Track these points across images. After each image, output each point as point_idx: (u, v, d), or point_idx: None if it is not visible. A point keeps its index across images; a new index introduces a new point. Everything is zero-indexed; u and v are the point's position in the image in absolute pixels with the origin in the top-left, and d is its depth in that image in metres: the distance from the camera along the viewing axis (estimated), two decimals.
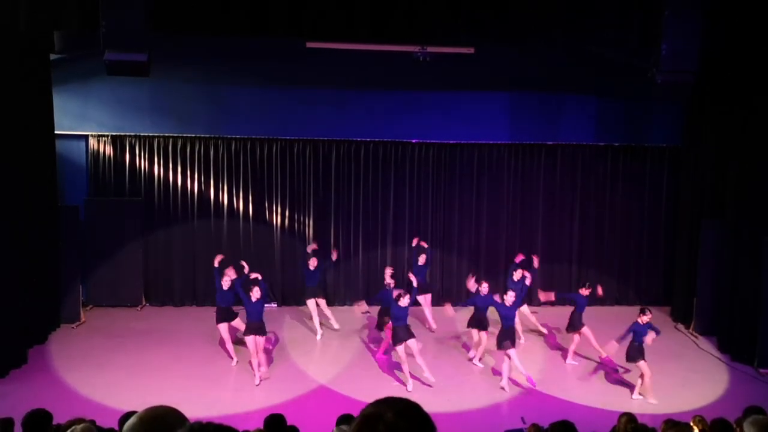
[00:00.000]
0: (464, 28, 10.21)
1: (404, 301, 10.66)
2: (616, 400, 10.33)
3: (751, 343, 11.78)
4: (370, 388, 10.56)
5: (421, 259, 13.11)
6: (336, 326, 13.07)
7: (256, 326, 10.78)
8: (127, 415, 5.90)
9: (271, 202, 14.59)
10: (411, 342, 10.69)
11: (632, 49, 11.11)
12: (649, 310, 10.70)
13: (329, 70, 13.85)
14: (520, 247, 14.47)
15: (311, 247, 13.24)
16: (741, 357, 12.00)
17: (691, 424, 6.68)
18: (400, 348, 10.66)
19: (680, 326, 13.89)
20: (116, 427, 6.01)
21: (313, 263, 12.72)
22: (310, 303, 12.84)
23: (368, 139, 14.60)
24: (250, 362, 11.06)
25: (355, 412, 1.95)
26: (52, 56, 12.47)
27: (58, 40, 12.14)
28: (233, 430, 3.96)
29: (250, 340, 10.84)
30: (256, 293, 10.67)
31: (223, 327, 11.51)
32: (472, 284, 11.90)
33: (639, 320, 10.48)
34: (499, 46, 12.92)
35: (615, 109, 14.87)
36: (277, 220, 14.64)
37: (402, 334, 10.63)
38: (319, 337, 12.77)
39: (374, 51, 12.58)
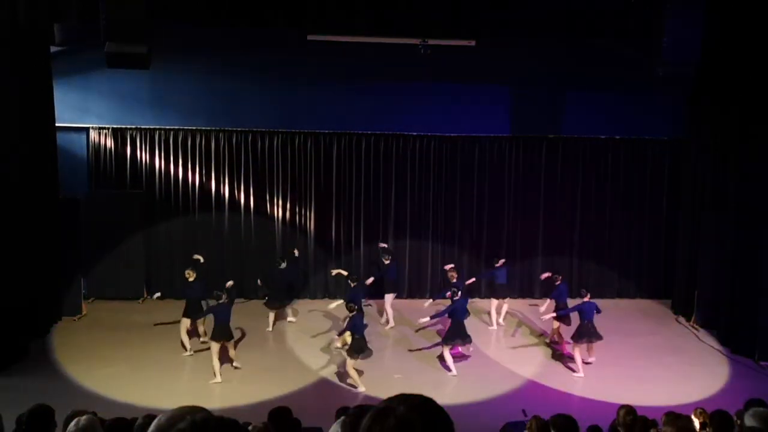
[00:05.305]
0: (465, 20, 10.19)
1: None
2: (616, 393, 10.32)
3: (752, 335, 11.79)
4: (371, 380, 10.59)
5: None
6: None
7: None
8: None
9: (273, 194, 14.59)
10: None
11: (633, 41, 11.09)
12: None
13: (330, 63, 13.82)
14: (521, 244, 14.70)
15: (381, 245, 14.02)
16: (742, 350, 12.00)
17: (692, 416, 6.67)
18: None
19: (681, 319, 13.89)
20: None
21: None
22: (388, 297, 13.17)
23: (370, 132, 14.59)
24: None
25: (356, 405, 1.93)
26: (53, 48, 12.45)
27: (58, 33, 12.11)
28: (235, 423, 3.95)
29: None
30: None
31: None
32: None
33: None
34: (501, 39, 12.88)
35: (616, 101, 14.81)
36: (278, 212, 14.64)
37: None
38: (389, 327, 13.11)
39: (375, 43, 12.56)
